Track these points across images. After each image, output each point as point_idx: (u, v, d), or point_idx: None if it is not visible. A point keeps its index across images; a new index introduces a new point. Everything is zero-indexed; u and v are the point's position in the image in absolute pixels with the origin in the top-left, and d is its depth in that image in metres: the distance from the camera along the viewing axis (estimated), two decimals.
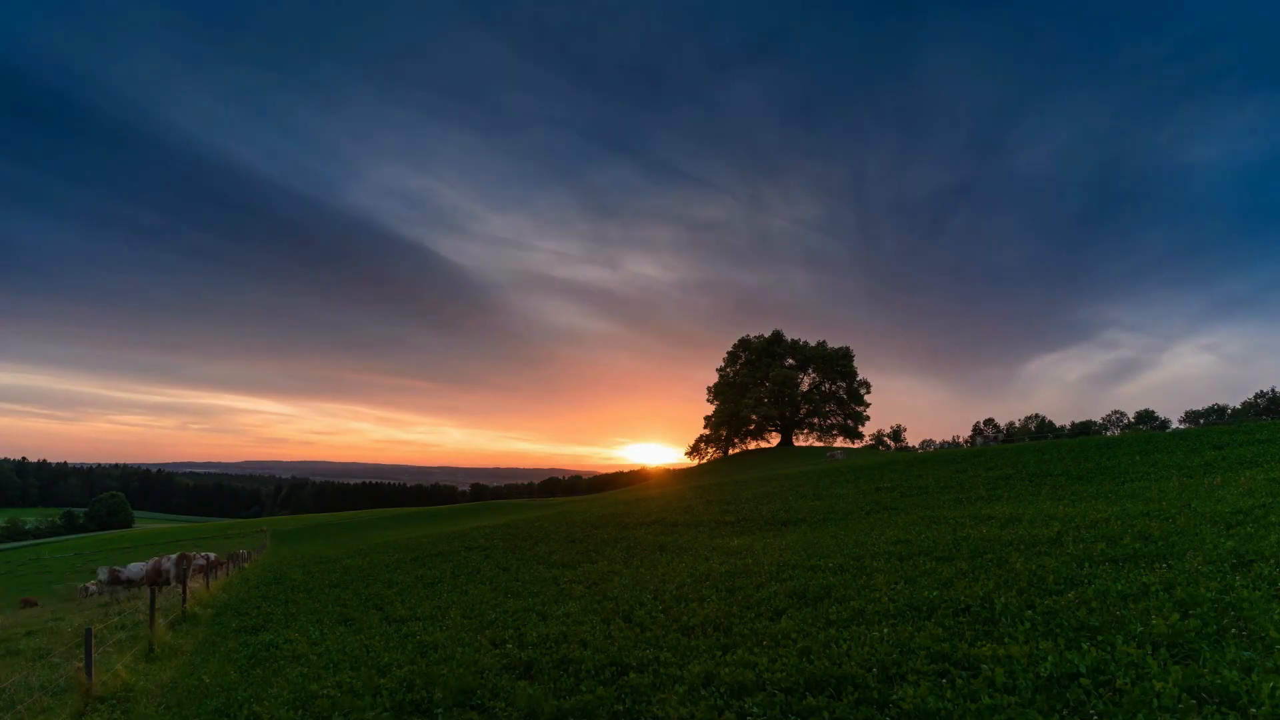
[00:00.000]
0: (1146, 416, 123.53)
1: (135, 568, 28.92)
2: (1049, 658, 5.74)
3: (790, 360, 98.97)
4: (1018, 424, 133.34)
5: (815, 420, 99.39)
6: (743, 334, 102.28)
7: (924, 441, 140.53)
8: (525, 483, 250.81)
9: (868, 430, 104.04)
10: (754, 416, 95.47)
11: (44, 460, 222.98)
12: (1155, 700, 4.71)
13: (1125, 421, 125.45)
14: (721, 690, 6.32)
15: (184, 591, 16.16)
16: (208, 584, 20.28)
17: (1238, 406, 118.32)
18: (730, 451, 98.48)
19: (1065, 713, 4.84)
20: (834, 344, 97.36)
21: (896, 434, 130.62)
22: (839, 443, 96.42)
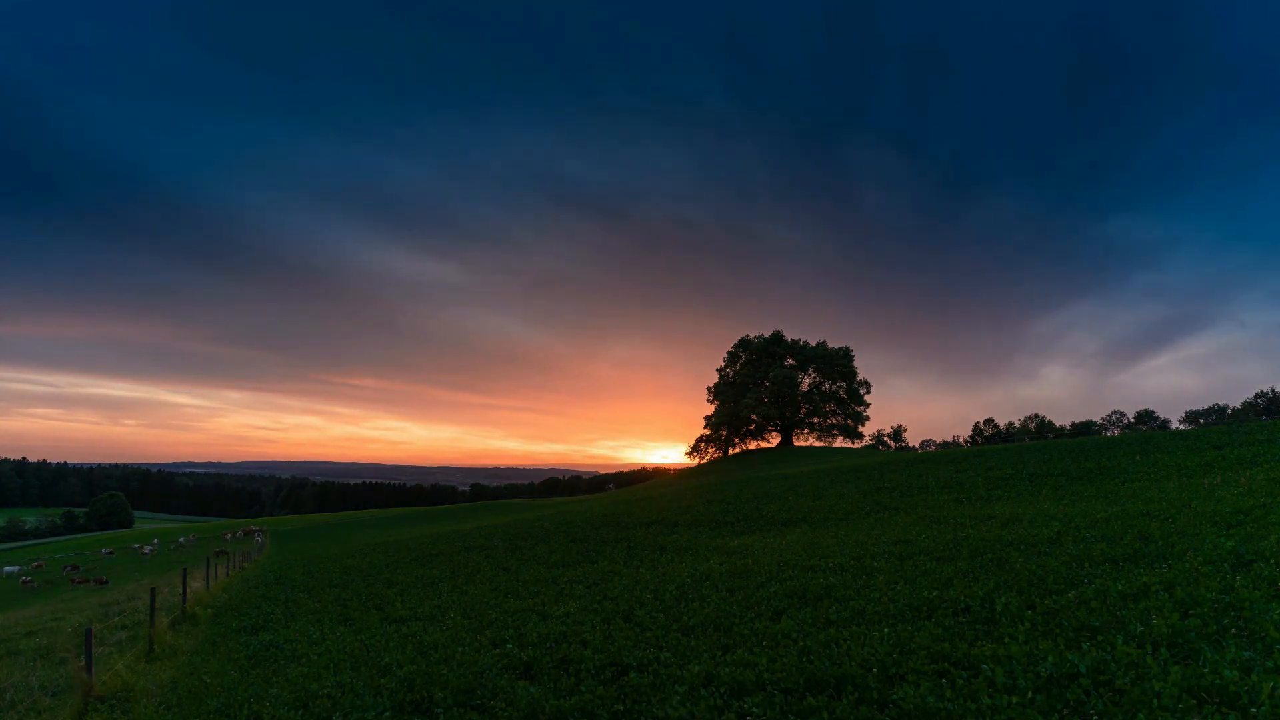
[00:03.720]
0: (1146, 416, 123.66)
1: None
2: (1049, 658, 5.74)
3: (790, 360, 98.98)
4: (1017, 424, 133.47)
5: (815, 420, 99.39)
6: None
7: (924, 441, 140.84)
8: (525, 483, 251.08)
9: (868, 430, 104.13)
10: (754, 416, 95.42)
11: (44, 460, 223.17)
12: (1155, 700, 4.70)
13: (1125, 421, 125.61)
14: (721, 690, 6.31)
15: (184, 591, 16.16)
16: (208, 584, 20.28)
17: (1238, 406, 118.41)
18: (730, 451, 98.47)
19: (1065, 713, 4.84)
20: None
21: (897, 434, 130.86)
22: (839, 442, 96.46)
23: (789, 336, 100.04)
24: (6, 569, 50.53)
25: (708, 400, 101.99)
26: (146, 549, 50.99)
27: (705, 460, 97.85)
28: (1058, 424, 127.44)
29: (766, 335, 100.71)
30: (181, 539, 60.56)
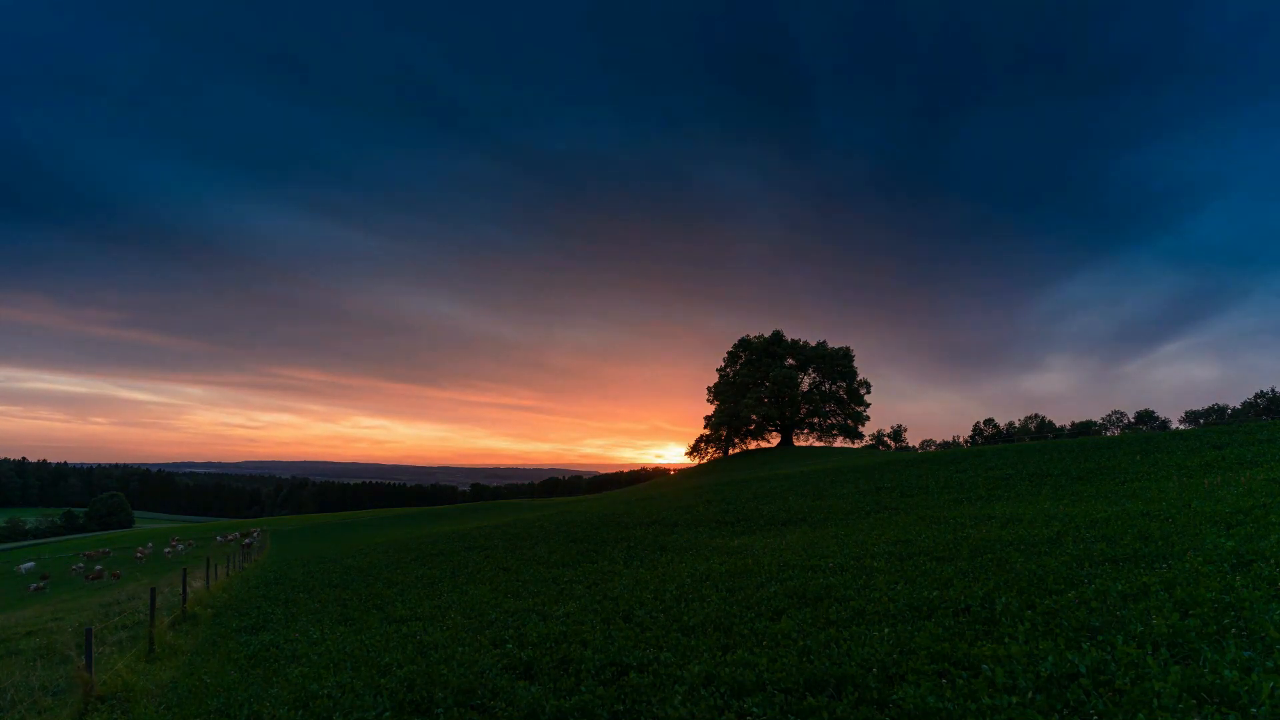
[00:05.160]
0: (1146, 416, 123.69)
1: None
2: (1049, 658, 5.74)
3: (790, 360, 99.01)
4: (1017, 424, 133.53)
5: (815, 420, 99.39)
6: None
7: (924, 441, 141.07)
8: (525, 483, 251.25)
9: (868, 430, 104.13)
10: (754, 416, 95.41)
11: (44, 460, 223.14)
12: (1155, 700, 4.71)
13: (1125, 421, 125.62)
14: (721, 690, 6.32)
15: (184, 591, 16.16)
16: (208, 584, 20.28)
17: (1238, 406, 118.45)
18: (730, 451, 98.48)
19: (1065, 713, 4.84)
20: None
21: (897, 434, 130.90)
22: (839, 443, 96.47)
23: (789, 336, 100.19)
24: (23, 565, 51.11)
25: (708, 400, 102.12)
26: (181, 547, 51.81)
27: (705, 460, 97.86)
28: (1058, 424, 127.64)
29: (766, 335, 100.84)
30: (179, 542, 60.99)
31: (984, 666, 5.81)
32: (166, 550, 51.55)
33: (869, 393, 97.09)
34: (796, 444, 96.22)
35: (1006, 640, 6.43)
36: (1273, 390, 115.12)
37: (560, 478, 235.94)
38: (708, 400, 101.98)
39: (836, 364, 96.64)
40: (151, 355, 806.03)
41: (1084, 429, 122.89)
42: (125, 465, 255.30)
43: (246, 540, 47.27)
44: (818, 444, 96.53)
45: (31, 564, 52.08)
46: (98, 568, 43.70)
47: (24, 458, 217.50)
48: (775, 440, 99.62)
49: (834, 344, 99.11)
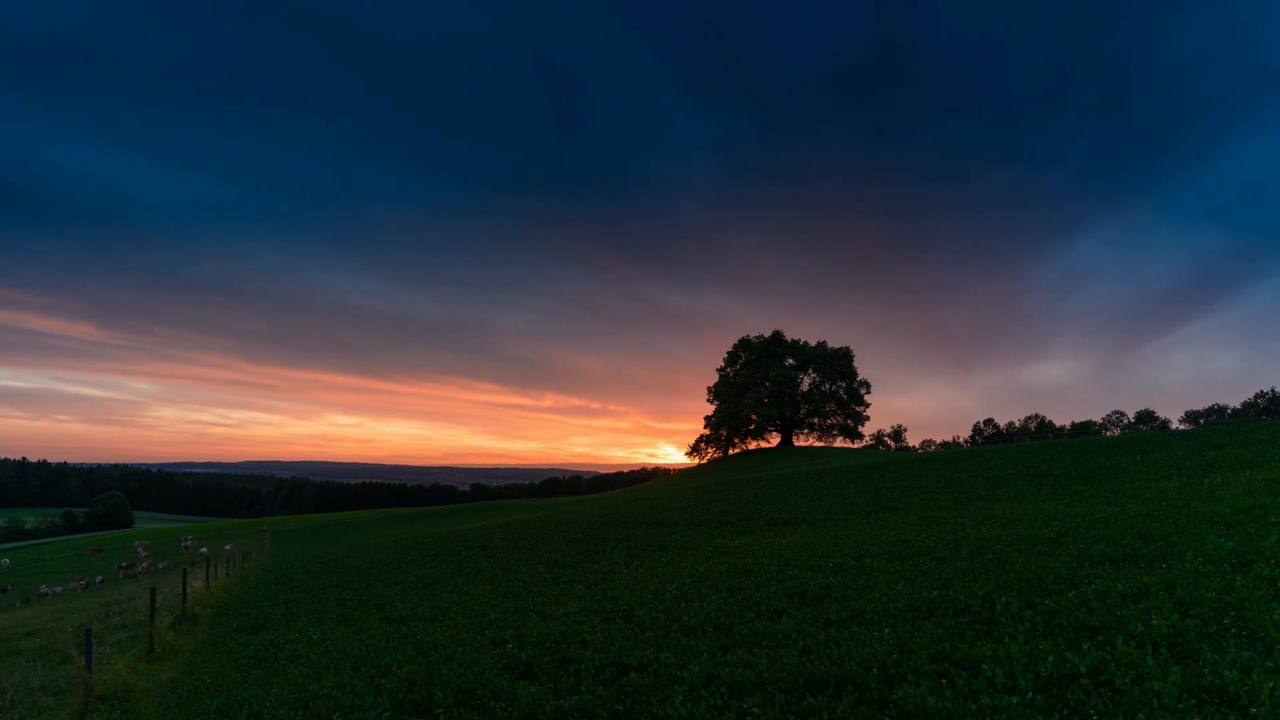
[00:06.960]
0: (1146, 416, 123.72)
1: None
2: (1049, 658, 5.74)
3: (790, 360, 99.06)
4: (1017, 424, 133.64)
5: (815, 420, 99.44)
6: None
7: (924, 441, 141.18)
8: (525, 483, 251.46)
9: (868, 430, 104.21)
10: (754, 416, 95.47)
11: (44, 460, 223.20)
12: (1155, 700, 4.71)
13: (1125, 421, 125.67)
14: (721, 690, 6.32)
15: (184, 591, 16.16)
16: (208, 584, 20.28)
17: (1238, 407, 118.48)
18: (730, 451, 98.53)
19: (1065, 713, 4.84)
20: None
21: (897, 434, 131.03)
22: (839, 443, 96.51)
23: (789, 336, 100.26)
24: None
25: (708, 400, 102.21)
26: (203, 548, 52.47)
27: (705, 460, 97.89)
28: (1058, 423, 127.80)
29: (766, 335, 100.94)
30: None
31: (984, 666, 5.81)
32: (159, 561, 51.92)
33: (869, 393, 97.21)
34: (796, 444, 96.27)
35: (1006, 640, 6.43)
36: (1273, 390, 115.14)
37: (560, 478, 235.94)
38: (708, 400, 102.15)
39: (836, 364, 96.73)
40: (67, 345, 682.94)
41: (1084, 429, 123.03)
42: (125, 465, 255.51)
43: (204, 549, 46.32)
44: (818, 444, 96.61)
45: (7, 562, 52.43)
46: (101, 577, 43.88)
47: (24, 458, 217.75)
48: (775, 440, 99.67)
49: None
